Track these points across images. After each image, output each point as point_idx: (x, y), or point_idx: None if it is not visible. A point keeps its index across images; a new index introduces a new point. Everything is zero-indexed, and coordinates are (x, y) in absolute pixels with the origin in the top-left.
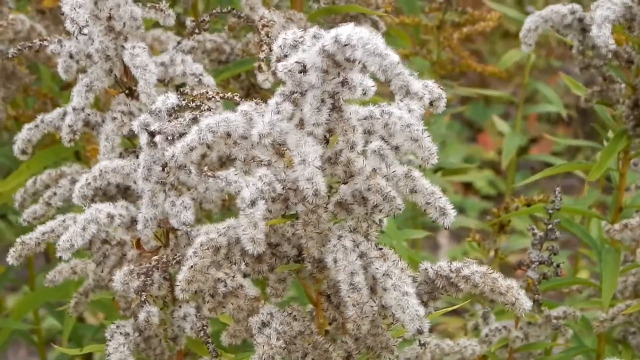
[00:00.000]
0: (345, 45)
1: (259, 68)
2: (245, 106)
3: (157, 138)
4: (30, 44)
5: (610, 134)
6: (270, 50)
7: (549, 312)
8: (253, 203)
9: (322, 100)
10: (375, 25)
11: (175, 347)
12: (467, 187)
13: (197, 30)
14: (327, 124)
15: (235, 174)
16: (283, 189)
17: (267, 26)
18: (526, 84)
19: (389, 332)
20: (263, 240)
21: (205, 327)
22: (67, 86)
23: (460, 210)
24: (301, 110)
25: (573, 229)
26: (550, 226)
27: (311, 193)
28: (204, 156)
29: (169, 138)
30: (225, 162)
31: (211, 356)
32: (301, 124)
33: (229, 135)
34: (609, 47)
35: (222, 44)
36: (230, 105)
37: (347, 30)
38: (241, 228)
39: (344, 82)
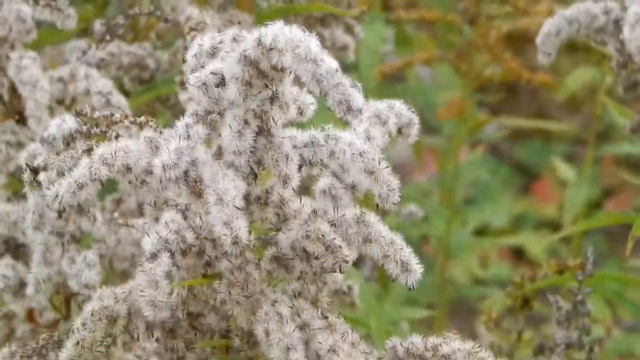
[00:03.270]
0: (271, 49)
1: (182, 84)
2: (151, 132)
3: (42, 176)
4: None
5: None
6: None
7: None
8: (154, 256)
9: (246, 122)
10: (350, 29)
11: None
12: (518, 254)
13: (108, 37)
14: (252, 152)
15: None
16: (197, 238)
17: (194, 29)
18: (599, 114)
19: None
20: (165, 304)
21: None
22: None
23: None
24: (219, 135)
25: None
26: (580, 297)
27: (229, 241)
28: (119, 202)
29: (59, 175)
30: None
31: None
32: (219, 154)
33: (129, 169)
34: None
35: (144, 58)
36: None
37: (273, 30)
38: (139, 288)
39: (273, 98)
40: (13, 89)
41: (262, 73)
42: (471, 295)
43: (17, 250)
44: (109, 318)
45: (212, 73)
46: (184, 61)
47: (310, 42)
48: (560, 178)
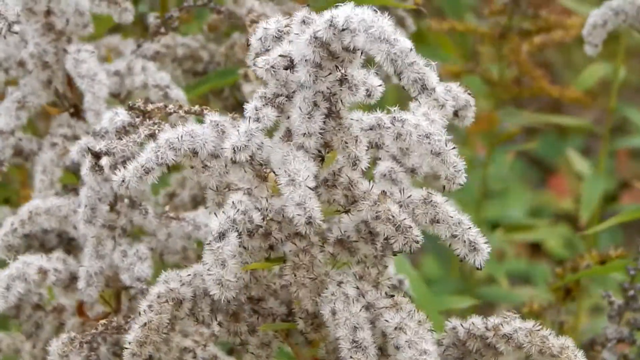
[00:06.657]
0: (344, 29)
1: (245, 76)
2: (216, 116)
3: (104, 160)
4: None
5: None
6: None
7: None
8: (222, 235)
9: (315, 104)
10: (401, 23)
11: None
12: (535, 248)
13: (163, 30)
14: (321, 134)
15: (205, 214)
16: (263, 219)
17: (256, 22)
18: (613, 109)
19: None
20: (234, 283)
21: None
22: None
23: (526, 279)
24: (288, 117)
25: None
26: (632, 292)
27: (303, 222)
28: (172, 196)
29: (119, 161)
30: (201, 202)
31: None
32: (288, 136)
33: (195, 153)
34: None
35: (198, 50)
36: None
37: (344, 11)
38: (206, 267)
39: (342, 80)
40: (68, 82)
41: (332, 54)
42: (490, 296)
43: (69, 244)
44: (175, 300)
45: (281, 55)
46: (248, 45)
47: (383, 22)
48: (576, 171)
